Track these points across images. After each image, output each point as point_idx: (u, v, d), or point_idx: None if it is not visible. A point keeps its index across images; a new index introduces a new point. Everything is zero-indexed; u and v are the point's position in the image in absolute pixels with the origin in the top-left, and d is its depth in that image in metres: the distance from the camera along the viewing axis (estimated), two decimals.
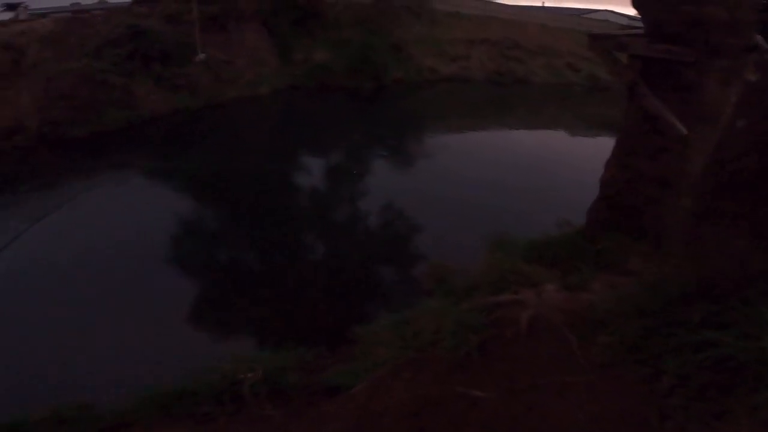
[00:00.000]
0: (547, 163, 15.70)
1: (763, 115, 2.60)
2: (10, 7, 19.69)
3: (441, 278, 6.10)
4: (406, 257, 9.07)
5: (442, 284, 5.89)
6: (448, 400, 3.40)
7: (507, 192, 12.67)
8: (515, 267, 4.88)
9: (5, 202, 11.35)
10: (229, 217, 11.56)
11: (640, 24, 7.06)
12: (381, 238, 10.14)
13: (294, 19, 24.85)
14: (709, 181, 2.97)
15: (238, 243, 10.18)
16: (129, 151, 15.12)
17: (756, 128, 2.60)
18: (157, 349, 6.16)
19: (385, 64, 24.84)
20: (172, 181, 13.02)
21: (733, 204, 2.63)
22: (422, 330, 4.36)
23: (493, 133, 20.28)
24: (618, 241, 5.65)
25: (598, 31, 8.28)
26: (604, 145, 14.29)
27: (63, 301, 7.32)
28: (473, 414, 3.06)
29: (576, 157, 16.55)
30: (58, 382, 5.60)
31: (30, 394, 5.48)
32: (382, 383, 4.27)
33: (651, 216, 5.81)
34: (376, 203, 11.79)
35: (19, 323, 6.77)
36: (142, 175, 13.48)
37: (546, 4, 42.70)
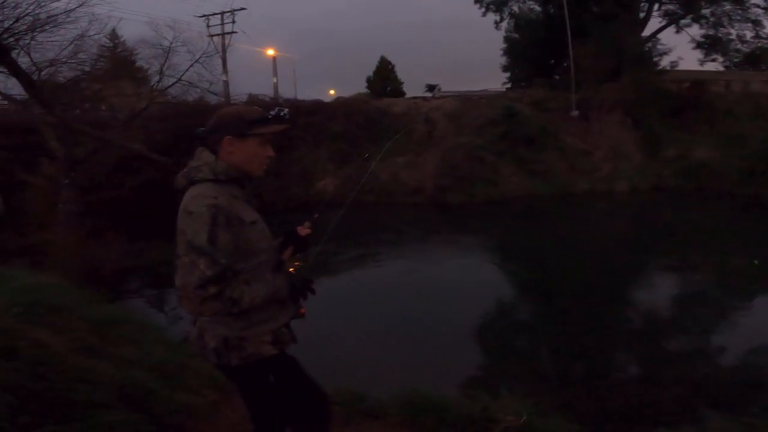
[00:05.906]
0: None
1: None
2: (431, 88, 24.62)
3: None
4: None
5: None
6: None
7: None
8: None
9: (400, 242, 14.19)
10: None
11: None
12: None
13: (667, 111, 21.29)
14: None
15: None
16: (487, 223, 16.28)
17: None
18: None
19: None
20: (515, 256, 13.51)
21: None
22: None
23: None
24: None
25: None
26: None
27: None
28: None
29: None
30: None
31: None
32: None
33: None
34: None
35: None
36: (492, 245, 14.53)
37: None
